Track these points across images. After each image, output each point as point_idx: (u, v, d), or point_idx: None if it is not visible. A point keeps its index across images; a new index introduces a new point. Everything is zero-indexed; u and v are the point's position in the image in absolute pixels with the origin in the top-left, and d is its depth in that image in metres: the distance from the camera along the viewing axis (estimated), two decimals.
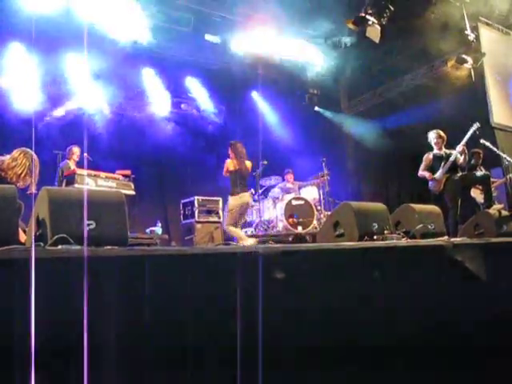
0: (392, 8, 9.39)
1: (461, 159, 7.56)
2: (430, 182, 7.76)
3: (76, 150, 8.53)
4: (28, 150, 4.99)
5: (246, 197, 8.07)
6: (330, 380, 2.62)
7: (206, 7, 10.91)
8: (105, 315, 2.00)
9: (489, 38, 11.86)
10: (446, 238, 4.95)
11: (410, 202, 5.64)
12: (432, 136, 7.86)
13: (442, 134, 7.83)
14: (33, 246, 2.44)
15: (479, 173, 8.23)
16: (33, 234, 2.86)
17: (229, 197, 8.13)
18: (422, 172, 7.85)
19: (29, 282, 1.68)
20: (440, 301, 3.29)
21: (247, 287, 2.42)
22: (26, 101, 9.61)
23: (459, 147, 7.55)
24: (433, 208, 5.72)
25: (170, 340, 2.16)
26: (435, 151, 7.82)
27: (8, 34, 9.04)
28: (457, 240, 4.21)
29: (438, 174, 7.62)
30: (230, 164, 8.05)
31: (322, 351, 2.60)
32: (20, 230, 3.44)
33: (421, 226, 5.00)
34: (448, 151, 7.71)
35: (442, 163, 7.63)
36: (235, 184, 8.01)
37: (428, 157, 7.86)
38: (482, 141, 8.97)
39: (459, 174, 7.65)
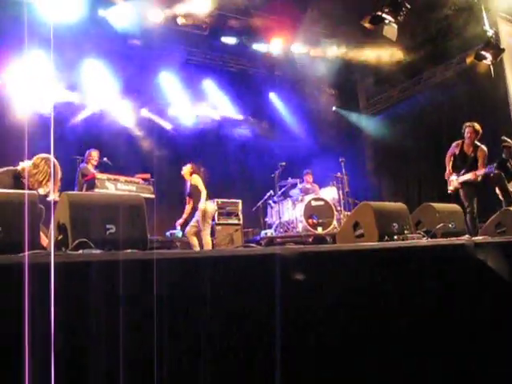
0: (409, 6, 9.31)
1: (472, 178, 7.48)
2: (448, 179, 7.72)
3: (94, 153, 8.59)
4: (49, 156, 5.02)
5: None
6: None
7: (222, 10, 10.93)
8: (124, 318, 2.02)
9: (509, 33, 11.73)
10: (467, 236, 4.90)
11: (431, 200, 5.60)
12: (467, 128, 7.74)
13: (477, 127, 7.68)
14: (52, 250, 2.47)
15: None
16: (52, 238, 2.88)
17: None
18: (448, 160, 7.83)
19: (49, 286, 1.70)
20: (461, 300, 3.26)
21: (267, 289, 2.42)
22: (46, 106, 9.73)
23: (474, 176, 7.46)
24: (453, 207, 5.67)
25: (187, 343, 2.17)
26: (465, 145, 7.72)
27: (29, 42, 9.14)
28: (478, 239, 4.16)
29: (455, 178, 7.59)
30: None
31: (342, 352, 2.60)
32: (42, 234, 3.49)
33: (441, 225, 4.95)
34: (478, 145, 7.60)
35: (465, 168, 7.57)
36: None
37: (455, 148, 7.78)
38: (503, 137, 8.86)
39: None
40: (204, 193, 8.34)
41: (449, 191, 7.71)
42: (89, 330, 1.90)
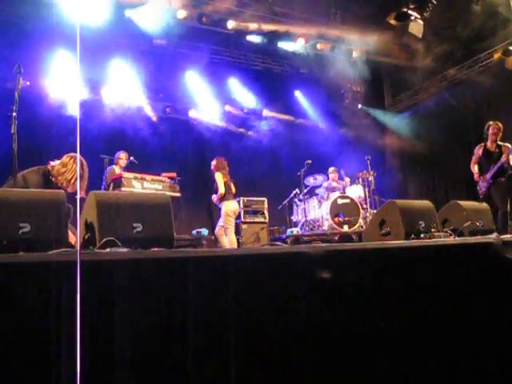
0: (435, 2, 9.22)
1: (509, 160, 7.37)
2: (479, 183, 7.63)
3: (123, 155, 8.65)
4: (77, 155, 5.07)
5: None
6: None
7: (246, 7, 10.94)
8: (152, 316, 2.04)
9: None
10: (495, 235, 4.84)
11: (458, 198, 5.54)
12: (490, 127, 7.69)
13: (499, 125, 7.67)
14: (78, 248, 2.50)
15: None
16: (79, 237, 2.92)
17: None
18: (473, 167, 7.74)
19: (75, 284, 1.72)
20: (489, 299, 3.22)
21: (294, 288, 2.42)
22: (73, 106, 9.86)
23: (504, 156, 7.36)
24: (481, 205, 5.60)
25: (217, 341, 2.18)
26: (488, 144, 7.65)
27: (56, 41, 9.28)
28: (507, 237, 4.10)
29: (486, 176, 7.48)
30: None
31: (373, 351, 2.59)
32: (70, 232, 3.54)
33: (469, 223, 4.90)
34: (501, 144, 7.53)
35: (491, 163, 7.47)
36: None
37: (478, 151, 7.74)
38: None
39: (508, 173, 7.46)
40: (220, 192, 8.35)
41: (480, 195, 7.61)
42: (114, 328, 1.92)
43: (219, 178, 8.42)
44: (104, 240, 2.79)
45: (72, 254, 2.15)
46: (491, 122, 7.74)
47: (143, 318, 2.00)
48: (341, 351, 2.51)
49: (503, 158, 7.37)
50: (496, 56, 11.08)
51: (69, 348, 1.70)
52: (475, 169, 7.69)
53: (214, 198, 8.50)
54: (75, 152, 5.03)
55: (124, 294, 1.96)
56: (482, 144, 7.75)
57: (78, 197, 3.47)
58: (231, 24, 10.97)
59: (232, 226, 8.41)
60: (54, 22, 8.87)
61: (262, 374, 2.27)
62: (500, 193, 7.38)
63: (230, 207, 8.41)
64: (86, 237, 3.01)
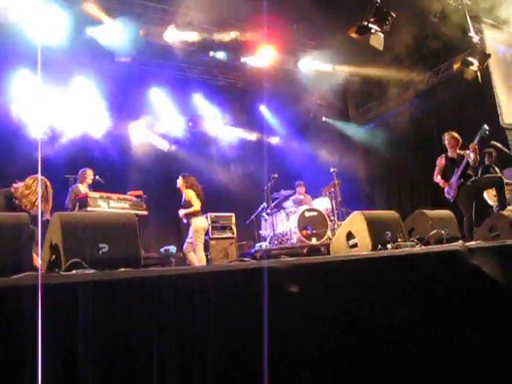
0: (394, 15, 9.38)
1: (472, 158, 7.44)
2: (446, 189, 7.70)
3: (90, 172, 8.54)
4: (41, 177, 5.01)
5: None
6: None
7: (211, 25, 10.98)
8: (121, 338, 2.01)
9: (494, 38, 11.85)
10: (460, 242, 4.92)
11: (425, 207, 5.62)
12: (446, 138, 7.79)
13: (455, 135, 7.73)
14: (40, 272, 2.46)
15: (492, 175, 8.18)
16: (40, 260, 2.88)
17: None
18: (436, 178, 7.81)
19: (37, 308, 1.69)
20: (459, 308, 3.26)
21: (260, 302, 2.42)
22: (35, 127, 9.73)
23: (471, 146, 7.43)
24: (445, 213, 5.69)
25: (189, 360, 2.16)
26: (449, 154, 7.75)
27: (17, 61, 9.17)
28: (472, 244, 4.17)
29: (452, 180, 7.55)
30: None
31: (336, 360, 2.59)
32: (34, 255, 3.47)
33: (434, 231, 4.97)
34: (462, 152, 7.64)
35: (456, 168, 7.56)
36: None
37: (441, 161, 7.80)
38: (492, 142, 8.90)
39: (472, 178, 7.57)
40: (195, 209, 8.27)
41: (449, 200, 7.68)
42: (80, 349, 1.89)
43: (192, 195, 8.33)
44: (70, 262, 2.75)
45: (34, 277, 2.11)
46: (446, 134, 7.83)
47: (111, 341, 1.97)
48: (310, 364, 2.51)
49: (467, 158, 7.43)
50: (455, 66, 11.30)
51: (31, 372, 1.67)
52: (439, 179, 7.77)
53: (182, 212, 8.41)
54: (37, 174, 4.96)
55: (90, 317, 1.93)
56: (444, 155, 7.83)
57: (40, 219, 3.42)
58: (194, 37, 10.94)
59: (201, 242, 8.32)
60: (11, 43, 8.77)
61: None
62: (465, 199, 7.45)
63: (200, 224, 8.33)
64: (52, 259, 2.96)
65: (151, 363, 2.04)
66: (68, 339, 1.87)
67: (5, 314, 1.77)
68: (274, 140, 14.25)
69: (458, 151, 7.68)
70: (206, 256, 8.78)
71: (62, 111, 10.61)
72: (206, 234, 9.28)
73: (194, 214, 8.29)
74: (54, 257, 2.95)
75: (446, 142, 7.78)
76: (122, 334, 2.01)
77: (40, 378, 1.62)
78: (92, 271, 2.63)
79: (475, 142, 7.47)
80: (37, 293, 1.69)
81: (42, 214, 4.92)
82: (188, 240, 8.43)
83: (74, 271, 2.66)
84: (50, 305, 1.73)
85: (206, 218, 9.38)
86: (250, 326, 2.35)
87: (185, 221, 8.48)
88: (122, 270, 2.77)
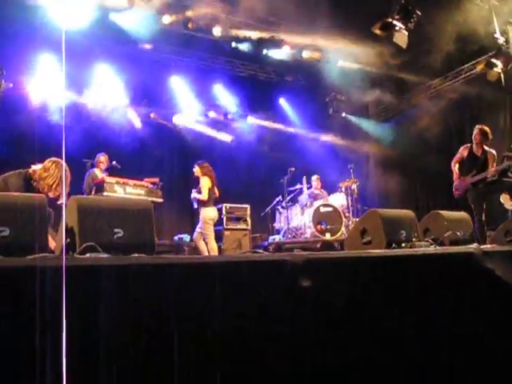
0: (419, 13, 9.29)
1: (490, 175, 7.32)
2: (455, 184, 7.62)
3: (103, 158, 8.58)
4: (60, 160, 5.00)
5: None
6: None
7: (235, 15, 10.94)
8: (132, 322, 2.02)
9: None
10: (475, 245, 4.88)
11: (441, 208, 5.58)
12: (475, 131, 7.58)
13: (485, 129, 7.52)
14: (64, 253, 2.48)
15: (507, 180, 8.06)
16: (64, 242, 2.90)
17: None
18: (454, 166, 7.70)
19: (59, 289, 1.70)
20: (468, 308, 3.24)
21: (274, 295, 2.42)
22: (57, 110, 9.77)
23: (494, 169, 7.29)
24: (462, 215, 5.65)
25: (194, 347, 2.17)
26: (474, 148, 7.60)
27: (41, 44, 9.21)
28: (487, 247, 4.14)
29: (466, 179, 7.46)
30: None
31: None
32: (50, 237, 3.50)
33: (450, 232, 4.93)
34: (487, 149, 7.48)
35: (474, 167, 7.44)
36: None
37: (463, 152, 7.63)
38: None
39: (485, 182, 7.45)
40: (203, 198, 8.28)
41: (455, 195, 7.61)
42: (95, 332, 1.91)
43: (205, 184, 8.35)
44: (84, 245, 2.77)
45: (52, 259, 2.13)
46: (478, 126, 7.63)
47: (124, 325, 1.98)
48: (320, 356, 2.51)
49: (490, 172, 7.31)
50: (479, 68, 11.17)
51: (54, 347, 1.69)
52: (456, 168, 7.65)
53: (193, 195, 8.44)
54: (57, 156, 4.98)
55: (104, 300, 1.94)
56: (469, 145, 7.66)
57: (64, 202, 3.43)
58: (217, 30, 10.95)
59: (212, 232, 8.36)
60: (37, 25, 8.81)
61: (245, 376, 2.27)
62: (477, 198, 7.36)
63: (209, 214, 8.35)
64: (67, 242, 2.98)
65: (166, 347, 2.05)
66: (83, 321, 1.89)
67: (20, 293, 1.79)
68: (293, 133, 14.19)
69: (485, 147, 7.50)
70: (219, 246, 8.80)
71: (83, 95, 10.67)
72: (220, 224, 9.31)
73: (204, 204, 8.32)
74: (68, 240, 2.97)
75: (474, 136, 7.60)
76: (133, 316, 2.02)
77: (65, 360, 1.64)
78: (106, 255, 2.64)
79: (499, 168, 7.34)
80: (51, 273, 1.71)
81: (59, 197, 4.94)
82: (198, 229, 8.47)
83: (87, 254, 2.68)
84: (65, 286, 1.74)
85: (220, 208, 9.41)
86: (261, 317, 2.36)
87: (195, 205, 8.53)
88: (136, 255, 2.78)
